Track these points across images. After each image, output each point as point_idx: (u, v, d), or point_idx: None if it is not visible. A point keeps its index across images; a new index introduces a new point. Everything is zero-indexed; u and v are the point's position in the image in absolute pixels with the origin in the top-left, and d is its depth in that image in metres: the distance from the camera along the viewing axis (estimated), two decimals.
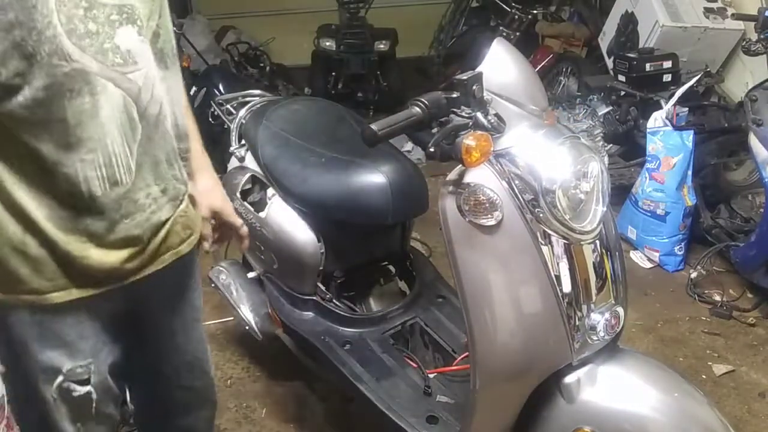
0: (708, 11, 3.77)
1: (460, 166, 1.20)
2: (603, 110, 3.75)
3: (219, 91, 3.49)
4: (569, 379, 1.28)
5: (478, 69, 1.20)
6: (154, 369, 1.42)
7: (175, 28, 1.19)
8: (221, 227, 1.44)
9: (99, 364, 1.20)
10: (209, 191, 1.37)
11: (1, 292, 1.09)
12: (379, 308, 1.99)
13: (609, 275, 1.29)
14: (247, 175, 2.04)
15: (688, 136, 2.87)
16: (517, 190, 1.18)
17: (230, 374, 2.37)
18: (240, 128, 2.12)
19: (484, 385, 1.32)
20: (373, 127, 1.10)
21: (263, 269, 2.10)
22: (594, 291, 1.26)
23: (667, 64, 3.33)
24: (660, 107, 3.09)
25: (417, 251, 2.15)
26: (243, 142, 2.10)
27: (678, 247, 2.97)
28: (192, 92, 3.60)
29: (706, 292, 2.81)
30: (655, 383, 1.26)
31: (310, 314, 1.94)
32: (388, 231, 1.99)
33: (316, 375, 2.12)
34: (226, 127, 2.20)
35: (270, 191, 1.97)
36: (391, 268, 2.08)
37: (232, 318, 2.38)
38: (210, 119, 2.29)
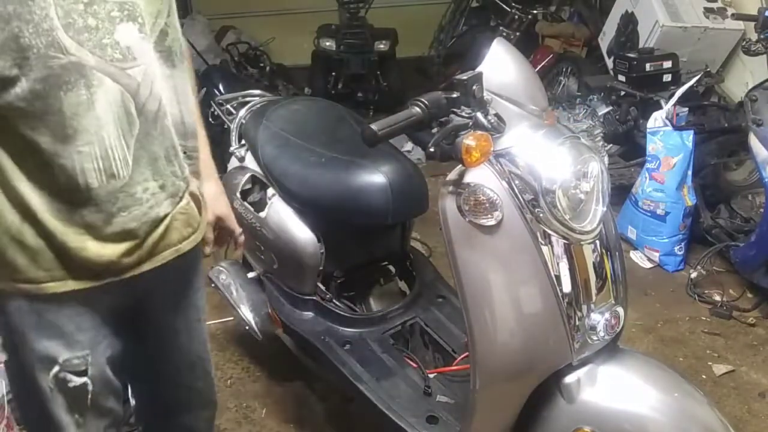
0: (708, 11, 3.78)
1: (460, 166, 1.20)
2: (603, 110, 3.75)
3: (219, 91, 3.48)
4: (569, 379, 1.27)
5: (478, 69, 1.20)
6: (155, 366, 1.42)
7: None
8: (221, 232, 1.46)
9: (97, 357, 1.20)
10: (215, 198, 1.39)
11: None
12: (379, 308, 1.99)
13: (609, 275, 1.29)
14: (247, 175, 2.04)
15: (688, 136, 2.87)
16: (517, 190, 1.18)
17: (230, 374, 2.37)
18: (240, 128, 2.12)
19: (484, 385, 1.32)
20: (373, 127, 1.10)
21: (263, 269, 2.10)
22: (594, 291, 1.26)
23: (667, 64, 3.33)
24: (660, 107, 3.09)
25: (417, 251, 2.16)
26: (243, 142, 2.10)
27: (678, 247, 2.97)
28: None
29: (706, 292, 2.81)
30: (655, 383, 1.26)
31: (310, 314, 1.94)
32: (388, 231, 1.99)
33: (316, 375, 2.12)
34: (226, 127, 2.20)
35: (270, 191, 1.97)
36: (391, 268, 2.08)
37: (232, 318, 2.38)
38: (210, 119, 2.29)
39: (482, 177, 1.19)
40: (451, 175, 1.24)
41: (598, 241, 1.26)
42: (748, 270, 2.70)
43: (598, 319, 1.25)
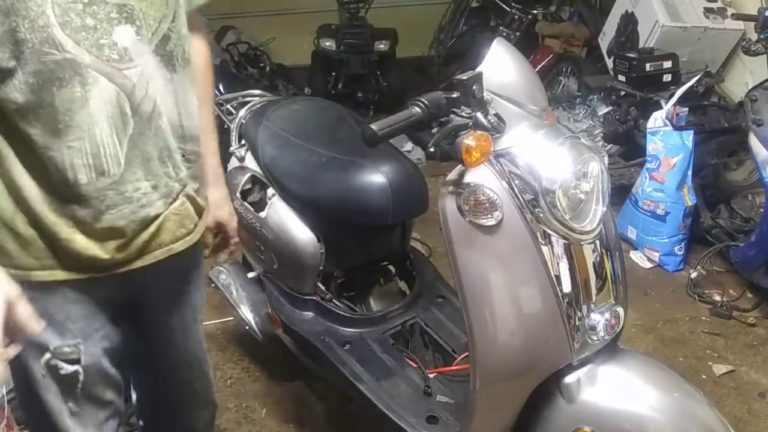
0: (708, 11, 3.77)
1: (460, 166, 1.20)
2: (603, 110, 3.75)
3: (219, 91, 3.47)
4: (569, 379, 1.27)
5: (478, 69, 1.20)
6: (153, 362, 1.44)
7: None
8: (221, 237, 1.49)
9: (90, 347, 1.21)
10: (218, 204, 1.43)
11: None
12: (379, 308, 1.99)
13: (609, 275, 1.29)
14: (247, 175, 2.04)
15: (688, 136, 2.87)
16: (517, 190, 1.18)
17: (230, 374, 2.37)
18: (240, 128, 2.12)
19: (484, 385, 1.32)
20: (373, 127, 1.10)
21: (263, 269, 2.10)
22: (594, 291, 1.26)
23: (667, 64, 3.33)
24: (660, 107, 3.09)
25: (417, 251, 2.15)
26: (243, 142, 2.10)
27: (678, 247, 2.97)
28: None
29: (706, 292, 2.81)
30: (655, 383, 1.26)
31: (310, 314, 1.94)
32: (388, 231, 1.99)
33: (316, 375, 2.12)
34: (226, 127, 2.20)
35: (270, 191, 1.97)
36: (391, 268, 2.08)
37: (232, 318, 2.38)
38: None
39: (482, 177, 1.19)
40: (451, 175, 1.24)
41: (598, 241, 1.26)
42: (748, 270, 2.70)
43: (598, 319, 1.25)
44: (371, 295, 2.05)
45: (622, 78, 3.41)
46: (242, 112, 2.15)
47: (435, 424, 1.58)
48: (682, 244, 2.98)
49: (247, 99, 2.26)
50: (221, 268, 2.19)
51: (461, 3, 5.60)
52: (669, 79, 3.32)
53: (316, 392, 2.24)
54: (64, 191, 1.08)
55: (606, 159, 3.40)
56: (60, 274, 1.13)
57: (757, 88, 2.61)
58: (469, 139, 1.12)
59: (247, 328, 2.11)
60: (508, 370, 1.29)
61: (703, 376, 2.35)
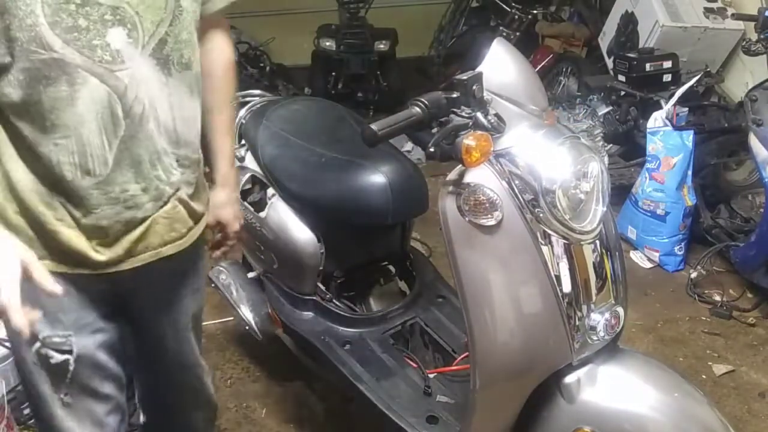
0: (708, 11, 3.77)
1: (460, 166, 1.20)
2: (603, 110, 3.75)
3: None
4: (569, 379, 1.27)
5: (478, 69, 1.20)
6: (148, 362, 1.44)
7: None
8: (221, 236, 1.50)
9: (82, 339, 1.22)
10: (221, 205, 1.44)
11: None
12: (379, 308, 1.99)
13: (609, 275, 1.29)
14: (247, 175, 2.04)
15: (688, 136, 2.87)
16: (517, 190, 1.18)
17: (230, 374, 2.36)
18: (240, 128, 2.12)
19: (484, 385, 1.32)
20: (373, 127, 1.10)
21: (263, 269, 2.10)
22: (594, 291, 1.26)
23: (667, 64, 3.33)
24: (660, 107, 3.09)
25: (417, 251, 2.15)
26: (243, 142, 2.10)
27: (678, 247, 2.97)
28: None
29: (706, 292, 2.81)
30: (655, 383, 1.26)
31: (310, 314, 1.94)
32: (388, 231, 1.99)
33: (316, 375, 2.12)
34: None
35: (270, 191, 1.97)
36: (391, 268, 2.08)
37: (232, 318, 2.38)
38: None
39: (482, 177, 1.19)
40: (451, 175, 1.24)
41: (598, 241, 1.26)
42: (748, 270, 2.70)
43: (598, 319, 1.25)
44: (371, 295, 2.05)
45: (622, 78, 3.41)
46: (242, 112, 2.15)
47: (435, 424, 1.58)
48: (682, 244, 2.98)
49: (247, 99, 2.26)
50: (221, 268, 2.18)
51: (461, 3, 5.60)
52: (669, 79, 3.32)
53: (316, 392, 2.24)
54: (51, 185, 1.09)
55: (606, 159, 3.40)
56: (49, 265, 1.14)
57: (757, 88, 2.61)
58: (469, 139, 1.12)
59: (247, 328, 2.11)
60: (508, 370, 1.29)
61: (703, 376, 2.35)
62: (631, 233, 3.11)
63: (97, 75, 1.04)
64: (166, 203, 1.20)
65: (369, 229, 1.93)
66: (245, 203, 2.01)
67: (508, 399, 1.34)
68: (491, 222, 1.18)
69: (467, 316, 1.27)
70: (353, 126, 2.04)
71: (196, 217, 1.29)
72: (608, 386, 1.27)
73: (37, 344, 1.19)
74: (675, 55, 3.38)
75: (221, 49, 1.36)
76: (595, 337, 1.26)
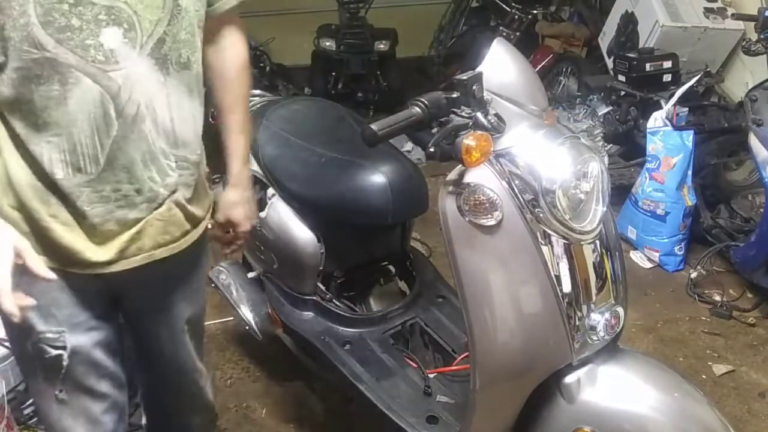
0: (708, 11, 3.77)
1: (460, 166, 1.20)
2: (603, 110, 3.75)
3: None
4: (569, 379, 1.27)
5: (478, 69, 1.20)
6: (146, 363, 1.45)
7: None
8: (233, 236, 1.50)
9: (77, 335, 1.21)
10: (231, 204, 1.43)
11: None
12: (379, 308, 1.99)
13: (609, 275, 1.29)
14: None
15: (688, 136, 2.87)
16: (517, 190, 1.18)
17: (230, 374, 2.36)
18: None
19: (484, 385, 1.32)
20: (373, 127, 1.10)
21: (263, 269, 2.10)
22: (594, 291, 1.26)
23: (667, 64, 3.33)
24: (660, 107, 3.09)
25: (417, 251, 2.15)
26: None
27: (678, 247, 2.97)
28: None
29: (706, 292, 2.81)
30: (655, 383, 1.26)
31: (310, 314, 1.94)
32: (388, 231, 1.99)
33: (316, 375, 2.12)
34: None
35: (270, 191, 1.97)
36: (391, 268, 2.08)
37: (232, 318, 2.38)
38: (210, 119, 2.28)
39: (482, 177, 1.19)
40: (451, 175, 1.24)
41: (598, 241, 1.26)
42: (748, 270, 2.70)
43: (598, 319, 1.25)
44: (371, 295, 2.05)
45: (622, 78, 3.41)
46: None
47: (435, 424, 1.58)
48: (682, 244, 2.98)
49: None
50: (221, 268, 2.18)
51: (461, 3, 5.60)
52: (669, 79, 3.32)
53: (316, 392, 2.24)
54: (44, 181, 1.10)
55: (606, 159, 3.40)
56: (42, 260, 1.12)
57: (757, 88, 2.61)
58: (469, 139, 1.12)
59: (247, 328, 2.11)
60: (508, 370, 1.29)
61: (703, 376, 2.35)
62: (631, 233, 3.11)
63: (89, 75, 1.04)
64: (160, 205, 1.19)
65: (369, 229, 1.93)
66: None
67: (508, 399, 1.34)
68: (491, 222, 1.18)
69: (467, 316, 1.27)
70: (353, 126, 2.04)
71: (193, 221, 1.27)
72: (608, 386, 1.27)
73: (32, 338, 1.20)
74: (675, 55, 3.38)
75: (234, 49, 1.35)
76: (595, 337, 1.26)
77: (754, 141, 2.54)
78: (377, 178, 1.77)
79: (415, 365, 1.76)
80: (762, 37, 2.62)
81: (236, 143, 1.39)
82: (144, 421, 1.69)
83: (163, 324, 1.37)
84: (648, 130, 3.00)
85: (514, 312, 1.24)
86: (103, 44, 1.04)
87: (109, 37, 1.04)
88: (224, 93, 1.36)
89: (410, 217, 1.99)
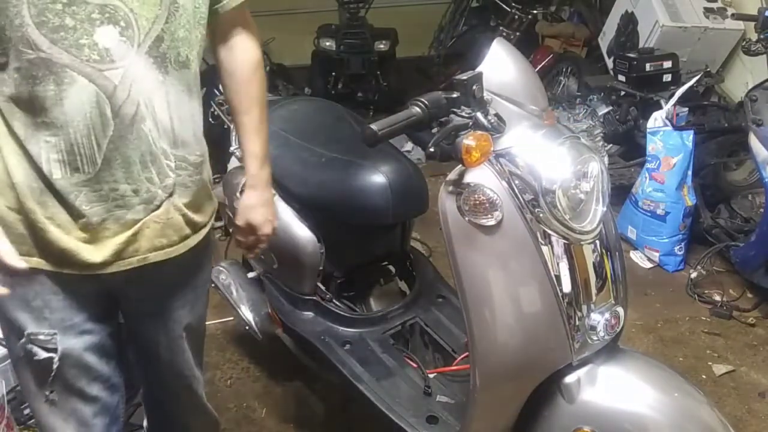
0: (708, 11, 3.78)
1: (460, 166, 1.20)
2: (603, 110, 3.75)
3: (219, 91, 3.47)
4: (569, 379, 1.27)
5: (478, 69, 1.20)
6: (145, 363, 1.43)
7: None
8: (253, 239, 1.46)
9: (68, 339, 1.21)
10: (250, 208, 1.42)
11: None
12: (379, 308, 1.99)
13: (609, 275, 1.29)
14: None
15: (688, 136, 2.87)
16: (517, 190, 1.18)
17: (230, 374, 2.36)
18: (234, 127, 2.12)
19: (484, 385, 1.32)
20: (373, 127, 1.10)
21: (263, 269, 2.10)
22: (594, 291, 1.26)
23: (667, 64, 3.33)
24: (660, 107, 3.09)
25: (417, 251, 2.15)
26: None
27: (678, 247, 2.97)
28: None
29: (706, 292, 2.81)
30: (655, 383, 1.26)
31: (310, 314, 1.94)
32: (388, 231, 1.99)
33: (316, 375, 2.12)
34: (226, 127, 2.20)
35: None
36: (391, 268, 2.08)
37: (232, 318, 2.38)
38: (210, 119, 2.29)
39: (482, 177, 1.19)
40: (451, 175, 1.24)
41: (598, 241, 1.26)
42: (748, 270, 2.70)
43: (598, 319, 1.25)
44: (371, 295, 2.05)
45: (622, 78, 3.41)
46: None
47: (435, 424, 1.58)
48: (682, 244, 2.98)
49: None
50: (221, 268, 2.18)
51: (461, 3, 5.60)
52: (669, 79, 3.32)
53: (316, 392, 2.24)
54: (42, 182, 1.09)
55: (606, 159, 3.40)
56: (36, 261, 1.14)
57: (757, 88, 2.61)
58: (469, 139, 1.12)
59: (247, 328, 2.11)
60: (508, 370, 1.29)
61: (703, 376, 2.35)
62: (631, 233, 3.11)
63: (85, 74, 1.04)
64: (158, 207, 1.17)
65: (369, 229, 1.93)
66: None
67: (508, 399, 1.34)
68: (491, 222, 1.18)
69: (467, 316, 1.27)
70: (353, 126, 2.04)
71: (193, 226, 1.25)
72: (608, 386, 1.27)
73: (23, 339, 1.19)
74: (675, 55, 3.38)
75: (244, 48, 1.32)
76: (595, 337, 1.26)
77: (754, 141, 2.54)
78: (377, 178, 1.77)
79: (415, 365, 1.76)
80: (762, 37, 2.62)
81: (252, 144, 1.37)
82: (146, 423, 1.68)
83: (161, 329, 1.35)
84: (648, 130, 3.00)
85: (514, 312, 1.24)
86: (97, 43, 1.03)
87: (103, 36, 1.04)
88: (237, 93, 1.34)
89: (410, 217, 1.99)
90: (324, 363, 1.83)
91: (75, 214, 1.11)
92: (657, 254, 3.01)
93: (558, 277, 1.21)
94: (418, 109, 1.13)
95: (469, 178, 1.20)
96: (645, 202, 3.00)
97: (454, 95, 1.15)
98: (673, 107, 2.99)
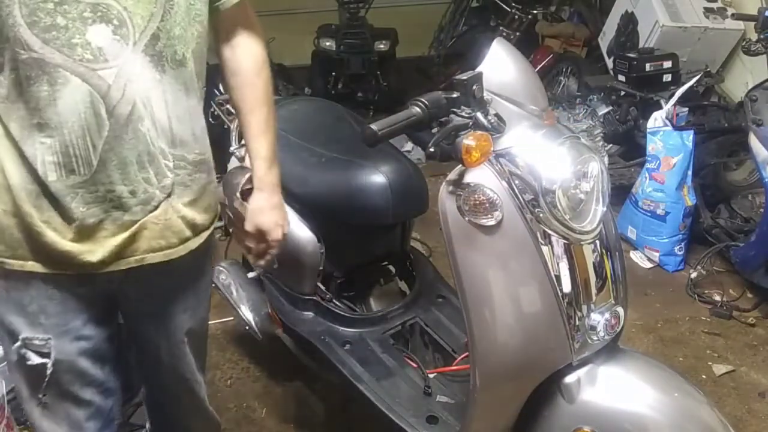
0: (708, 11, 3.78)
1: (460, 166, 1.20)
2: (603, 110, 3.75)
3: (219, 91, 3.46)
4: (569, 379, 1.28)
5: (478, 69, 1.20)
6: (146, 366, 1.42)
7: None
8: (264, 246, 1.41)
9: (63, 344, 1.19)
10: (258, 211, 1.37)
11: None
12: (379, 308, 1.99)
13: (609, 275, 1.29)
14: (247, 175, 2.01)
15: (688, 136, 2.87)
16: (517, 190, 1.18)
17: (230, 374, 2.36)
18: (240, 128, 2.12)
19: (484, 385, 1.32)
20: (373, 127, 1.10)
21: (263, 269, 2.09)
22: (594, 291, 1.26)
23: (667, 64, 3.33)
24: (660, 107, 3.09)
25: (417, 251, 2.15)
26: (243, 142, 2.10)
27: (678, 247, 2.97)
28: None
29: (706, 292, 2.81)
30: (655, 383, 1.26)
31: (310, 314, 1.93)
32: (388, 231, 1.99)
33: (316, 375, 2.12)
34: (226, 127, 2.20)
35: None
36: (391, 268, 2.08)
37: (232, 318, 2.38)
38: (210, 119, 2.29)
39: (482, 177, 1.19)
40: (451, 175, 1.24)
41: (598, 241, 1.26)
42: (748, 270, 2.70)
43: (598, 319, 1.25)
44: (371, 295, 2.05)
45: (622, 78, 3.40)
46: None
47: (435, 424, 1.58)
48: (682, 244, 2.98)
49: None
50: (221, 268, 2.18)
51: (461, 3, 5.60)
52: (669, 79, 3.32)
53: (316, 392, 2.24)
54: (39, 184, 1.08)
55: (606, 159, 3.40)
56: (32, 266, 1.13)
57: (757, 88, 2.61)
58: (469, 139, 1.12)
59: (247, 328, 2.11)
60: (508, 370, 1.29)
61: (703, 376, 2.35)
62: (631, 233, 3.11)
63: (78, 74, 1.02)
64: (156, 208, 1.15)
65: (369, 229, 1.93)
66: (245, 203, 2.01)
67: (508, 399, 1.34)
68: (491, 222, 1.18)
69: (467, 316, 1.27)
70: (353, 126, 2.04)
71: (195, 228, 1.23)
72: (608, 386, 1.27)
73: (17, 343, 1.18)
74: (675, 55, 3.38)
75: (247, 46, 1.30)
76: (595, 337, 1.26)
77: (754, 141, 2.54)
78: (377, 178, 1.77)
79: (415, 365, 1.76)
80: (762, 37, 2.62)
81: (258, 145, 1.34)
82: (148, 425, 1.67)
83: (162, 333, 1.33)
84: (648, 130, 3.00)
85: (514, 312, 1.24)
86: (90, 42, 1.02)
87: (96, 35, 1.02)
88: (242, 93, 1.31)
89: (410, 217, 1.99)
90: (324, 363, 1.83)
91: (71, 216, 1.10)
92: (657, 254, 3.01)
93: (558, 277, 1.21)
94: (418, 109, 1.13)
95: (469, 178, 1.20)
96: (645, 202, 3.00)
97: (454, 95, 1.15)
98: (673, 107, 2.99)
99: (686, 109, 3.15)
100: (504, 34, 4.58)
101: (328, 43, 4.87)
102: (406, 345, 1.89)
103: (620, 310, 1.29)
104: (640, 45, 3.78)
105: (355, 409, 2.06)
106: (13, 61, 1.02)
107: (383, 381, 1.70)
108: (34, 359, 1.18)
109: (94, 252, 1.13)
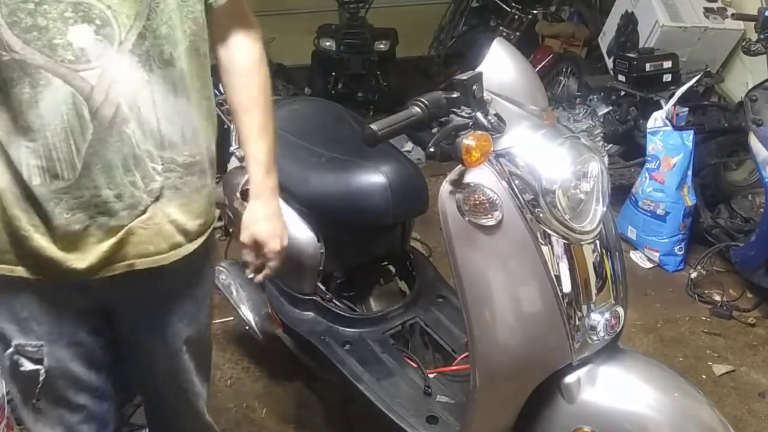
0: (708, 11, 3.77)
1: (460, 166, 1.20)
2: (603, 110, 3.75)
3: (219, 91, 3.48)
4: (569, 379, 1.28)
5: (478, 69, 1.20)
6: (142, 375, 1.39)
7: None
8: (263, 258, 1.35)
9: (56, 350, 1.17)
10: (253, 221, 1.31)
11: None
12: (379, 308, 1.99)
13: (609, 275, 1.29)
14: (247, 176, 2.03)
15: (688, 136, 2.87)
16: (517, 190, 1.18)
17: (230, 374, 2.36)
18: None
19: (484, 385, 1.32)
20: (373, 127, 1.10)
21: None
22: (594, 291, 1.26)
23: (667, 64, 3.32)
24: (660, 107, 3.09)
25: (417, 251, 2.16)
26: None
27: (678, 247, 2.97)
28: None
29: (706, 292, 2.81)
30: (655, 383, 1.26)
31: (310, 314, 1.94)
32: (388, 231, 1.99)
33: (316, 375, 2.12)
34: (225, 127, 2.19)
35: None
36: (391, 268, 2.08)
37: (232, 318, 2.38)
38: None
39: (482, 177, 1.19)
40: (451, 175, 1.24)
41: (598, 241, 1.26)
42: (748, 270, 2.70)
43: (598, 319, 1.25)
44: (371, 295, 2.05)
45: (622, 78, 3.40)
46: None
47: (435, 424, 1.58)
48: (682, 244, 2.98)
49: None
50: (221, 268, 2.18)
51: (461, 3, 5.60)
52: (669, 79, 3.32)
53: (316, 392, 2.24)
54: (25, 188, 1.05)
55: (606, 159, 3.40)
56: (20, 271, 1.10)
57: (757, 88, 2.61)
58: (469, 139, 1.12)
59: (247, 328, 2.11)
60: (508, 370, 1.29)
61: (703, 376, 2.35)
62: (631, 233, 3.11)
63: (59, 75, 0.99)
64: (143, 212, 1.10)
65: (369, 229, 1.93)
66: (245, 203, 2.00)
67: (508, 399, 1.34)
68: (491, 222, 1.18)
69: (467, 316, 1.27)
70: (353, 126, 2.05)
71: (186, 234, 1.17)
72: (608, 386, 1.27)
73: (10, 350, 1.16)
74: (675, 55, 3.37)
75: (242, 45, 1.26)
76: (595, 337, 1.26)
77: (754, 141, 2.54)
78: (377, 178, 1.77)
79: (415, 365, 1.76)
80: (762, 37, 2.62)
81: (255, 149, 1.28)
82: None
83: (159, 342, 1.29)
84: (648, 130, 3.00)
85: (514, 312, 1.24)
86: (72, 43, 0.99)
87: (77, 36, 0.99)
88: (235, 94, 1.28)
89: (410, 217, 1.99)
90: (324, 363, 1.83)
91: (56, 222, 1.07)
92: (657, 254, 3.01)
93: (558, 277, 1.21)
94: (418, 109, 1.13)
95: (469, 178, 1.20)
96: (645, 202, 3.00)
97: (454, 95, 1.15)
98: (673, 107, 2.99)
99: (686, 109, 3.15)
100: (504, 34, 4.58)
101: (328, 43, 4.87)
102: (406, 345, 1.89)
103: (620, 310, 1.29)
104: (640, 45, 3.78)
105: (355, 409, 2.06)
106: None
107: (383, 381, 1.70)
108: (27, 365, 1.17)
109: (82, 259, 1.10)
